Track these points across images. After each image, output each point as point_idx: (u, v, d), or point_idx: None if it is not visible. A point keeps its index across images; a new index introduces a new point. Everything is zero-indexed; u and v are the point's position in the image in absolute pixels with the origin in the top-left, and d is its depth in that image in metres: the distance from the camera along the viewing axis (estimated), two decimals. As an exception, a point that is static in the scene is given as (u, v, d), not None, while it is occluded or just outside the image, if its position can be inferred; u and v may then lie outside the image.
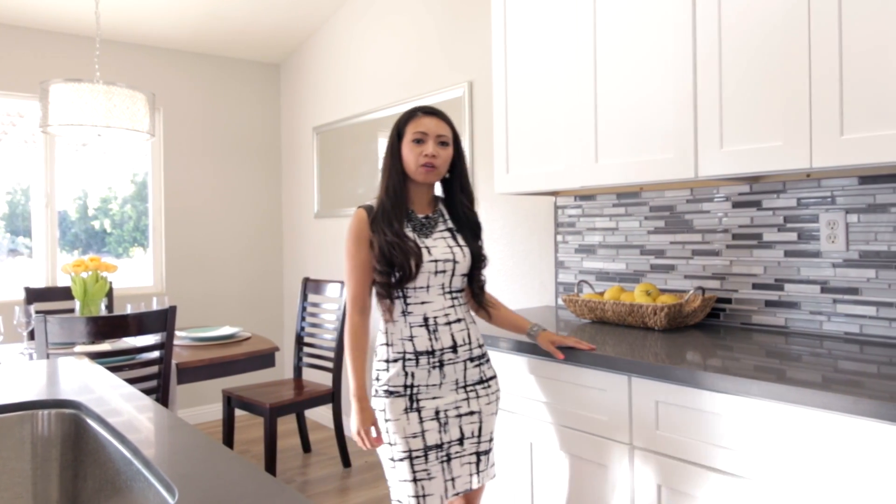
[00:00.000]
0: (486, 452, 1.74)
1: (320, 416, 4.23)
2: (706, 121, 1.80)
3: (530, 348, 1.86)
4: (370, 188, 3.80)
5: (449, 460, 1.67)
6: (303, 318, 3.66)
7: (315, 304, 3.68)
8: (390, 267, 1.63)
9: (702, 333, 1.99)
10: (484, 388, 1.73)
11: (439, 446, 1.65)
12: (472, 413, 1.70)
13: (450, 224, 1.76)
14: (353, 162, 3.96)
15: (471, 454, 1.71)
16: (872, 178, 1.79)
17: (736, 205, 2.09)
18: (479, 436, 1.71)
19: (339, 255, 4.11)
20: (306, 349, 3.63)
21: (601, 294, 2.28)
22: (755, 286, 2.05)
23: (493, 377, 1.78)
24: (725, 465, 1.45)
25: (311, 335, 3.63)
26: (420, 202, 1.75)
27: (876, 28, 1.48)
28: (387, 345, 1.68)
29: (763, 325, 2.03)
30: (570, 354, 1.75)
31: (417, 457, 1.63)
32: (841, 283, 1.86)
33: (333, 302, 3.57)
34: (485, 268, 1.78)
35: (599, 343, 1.82)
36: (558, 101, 2.20)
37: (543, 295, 2.76)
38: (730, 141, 1.75)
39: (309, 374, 3.90)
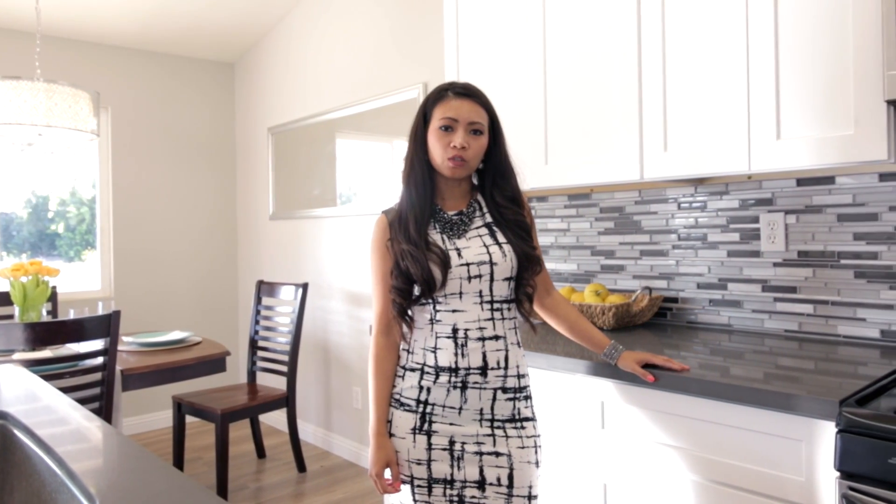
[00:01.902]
0: None
1: (275, 420, 4.17)
2: (650, 124, 1.83)
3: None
4: (326, 189, 3.76)
5: (461, 503, 1.39)
6: (257, 322, 3.60)
7: (269, 308, 3.63)
8: (409, 283, 1.40)
9: (649, 332, 2.02)
10: (516, 427, 1.40)
11: (449, 482, 1.38)
12: (497, 454, 1.38)
13: (488, 218, 1.46)
14: (310, 163, 3.91)
15: None
16: (809, 180, 1.85)
17: (682, 206, 2.14)
18: (511, 486, 1.38)
19: (295, 256, 4.06)
20: (260, 353, 3.57)
21: (553, 295, 2.30)
22: (700, 286, 2.10)
23: (531, 419, 1.44)
24: (673, 462, 1.47)
25: (265, 339, 3.57)
26: (451, 197, 1.47)
27: (805, 32, 1.53)
28: (407, 351, 1.45)
29: (708, 324, 2.08)
30: (662, 378, 1.46)
31: (420, 486, 1.39)
32: (781, 281, 1.92)
33: (288, 305, 3.52)
34: (538, 273, 1.46)
35: (550, 344, 1.84)
36: (509, 102, 2.21)
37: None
38: (674, 144, 1.79)
39: (263, 379, 3.83)
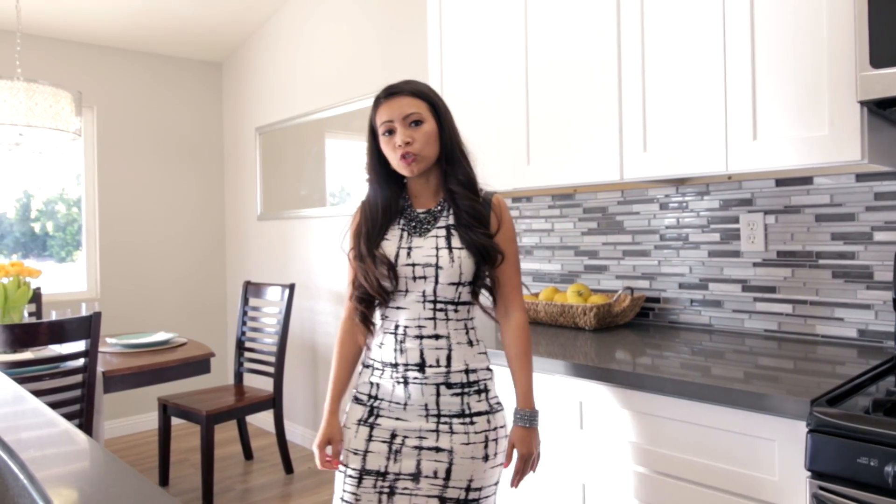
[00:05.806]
0: (460, 503, 1.38)
1: (263, 421, 4.16)
2: (630, 125, 1.83)
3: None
4: (314, 189, 3.75)
5: (392, 494, 1.38)
6: (244, 323, 3.59)
7: (256, 308, 3.61)
8: (368, 293, 1.44)
9: (631, 332, 2.02)
10: (463, 422, 1.39)
11: (382, 474, 1.39)
12: (438, 450, 1.37)
13: (450, 220, 1.44)
14: (298, 163, 3.90)
15: (429, 496, 1.37)
16: (788, 180, 1.85)
17: (664, 206, 2.14)
18: (448, 479, 1.37)
19: (283, 257, 4.05)
20: (247, 354, 3.56)
21: (536, 295, 2.30)
22: (682, 286, 2.10)
23: (485, 413, 1.41)
24: (651, 462, 1.48)
25: (252, 340, 3.55)
26: (422, 194, 1.48)
27: (781, 35, 1.53)
28: (367, 348, 1.52)
29: (689, 324, 2.09)
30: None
31: (350, 476, 1.41)
32: (760, 281, 1.92)
33: (274, 306, 3.51)
34: (499, 263, 1.45)
35: (532, 343, 1.83)
36: (492, 103, 2.21)
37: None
38: (653, 144, 1.79)
39: (250, 380, 3.82)
